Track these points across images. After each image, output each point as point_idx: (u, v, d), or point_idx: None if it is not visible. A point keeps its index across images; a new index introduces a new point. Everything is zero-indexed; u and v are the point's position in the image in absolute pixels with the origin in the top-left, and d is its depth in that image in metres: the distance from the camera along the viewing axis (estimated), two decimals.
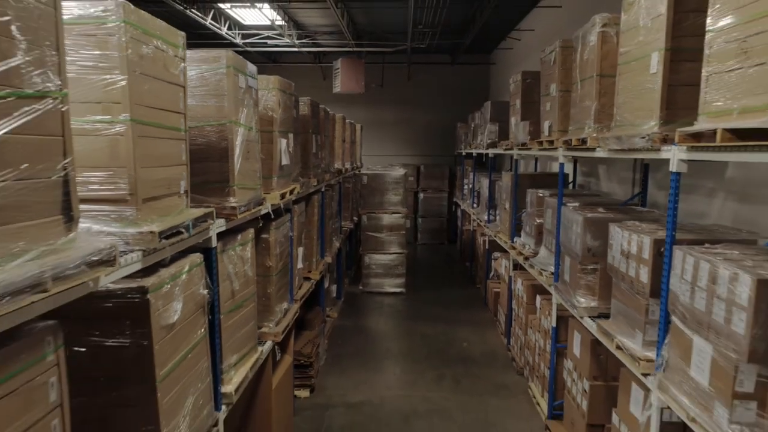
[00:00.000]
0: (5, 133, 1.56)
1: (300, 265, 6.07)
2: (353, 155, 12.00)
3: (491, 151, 10.01)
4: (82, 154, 2.18)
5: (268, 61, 16.50)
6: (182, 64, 2.89)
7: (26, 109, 1.65)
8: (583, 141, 4.57)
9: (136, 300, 2.38)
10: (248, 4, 9.86)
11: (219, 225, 3.37)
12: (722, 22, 2.66)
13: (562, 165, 5.48)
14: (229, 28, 12.20)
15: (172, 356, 2.63)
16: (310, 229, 6.88)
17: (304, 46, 13.77)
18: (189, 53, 3.16)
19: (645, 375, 3.46)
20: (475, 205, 12.07)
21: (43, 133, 1.74)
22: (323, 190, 7.59)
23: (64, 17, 1.90)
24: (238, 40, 12.74)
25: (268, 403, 4.78)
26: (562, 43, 5.47)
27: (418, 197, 16.53)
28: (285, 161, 4.90)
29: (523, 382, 6.88)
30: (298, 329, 6.64)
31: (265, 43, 13.25)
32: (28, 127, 1.66)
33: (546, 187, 6.73)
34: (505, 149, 8.35)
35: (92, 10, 2.28)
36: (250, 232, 4.07)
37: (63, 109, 1.82)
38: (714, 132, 2.63)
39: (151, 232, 2.40)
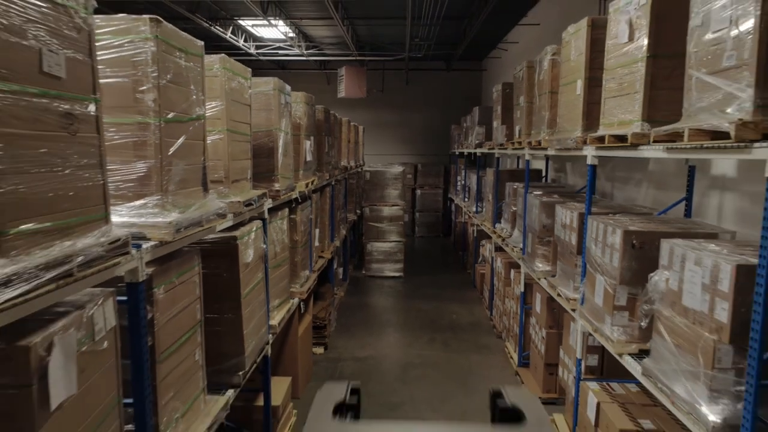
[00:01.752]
0: (186, 140, 2.91)
1: (317, 243, 7.42)
2: (357, 154, 13.35)
3: (478, 151, 11.37)
4: None
5: (277, 68, 17.84)
6: (250, 90, 4.24)
7: (192, 126, 3.00)
8: (539, 143, 5.93)
9: (230, 244, 3.73)
10: (266, 23, 11.21)
11: (269, 203, 4.72)
12: (609, 64, 4.02)
13: (528, 161, 6.85)
14: (245, 40, 13.54)
15: (248, 285, 3.98)
16: (323, 216, 8.23)
17: (311, 56, 15.11)
18: None
19: (573, 310, 4.82)
20: (466, 199, 13.43)
21: (196, 139, 3.09)
22: (333, 183, 8.95)
23: (145, 52, 3.23)
24: (253, 51, 14.08)
25: (295, 346, 6.14)
26: (528, 64, 6.82)
27: (416, 193, 17.87)
28: (308, 158, 6.26)
29: (501, 344, 8.24)
30: (314, 299, 7.97)
31: (277, 53, 14.60)
32: (191, 136, 3.01)
33: (521, 181, 8.06)
34: (489, 149, 9.71)
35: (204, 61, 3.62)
36: (286, 211, 5.43)
37: (204, 125, 3.18)
38: (605, 137, 3.98)
39: (239, 202, 3.75)
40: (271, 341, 4.78)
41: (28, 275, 1.61)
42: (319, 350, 7.76)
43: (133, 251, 2.34)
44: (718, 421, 2.60)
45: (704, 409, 2.67)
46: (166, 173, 2.68)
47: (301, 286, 6.16)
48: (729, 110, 2.57)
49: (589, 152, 4.47)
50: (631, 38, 3.70)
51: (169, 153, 2.70)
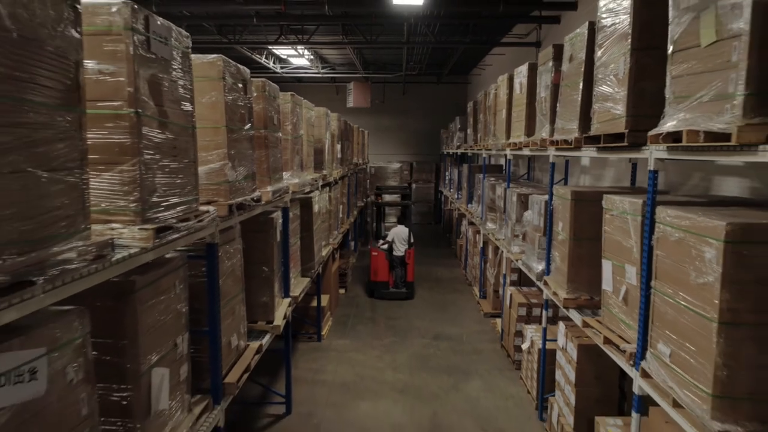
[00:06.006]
0: (298, 146, 6.19)
1: (340, 215, 10.70)
2: (363, 153, 16.65)
3: (459, 151, 14.67)
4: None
5: (293, 81, 21.11)
6: (314, 118, 7.52)
7: (300, 139, 6.28)
8: (488, 145, 9.22)
9: (309, 200, 7.00)
10: (297, 54, 14.50)
11: (321, 182, 7.99)
12: (514, 103, 7.31)
13: (485, 158, 10.15)
14: (273, 62, 16.82)
15: (315, 224, 7.26)
16: (343, 197, 11.50)
17: (326, 74, 18.42)
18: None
19: (500, 245, 8.11)
20: (451, 190, 16.71)
21: (300, 145, 6.37)
22: (349, 175, 12.24)
23: (288, 107, 6.49)
24: (278, 69, 17.35)
25: (329, 278, 9.41)
26: (484, 92, 10.10)
27: (411, 187, 21.15)
28: (339, 156, 9.55)
29: (470, 288, 11.53)
30: (339, 257, 11.21)
31: (297, 71, 17.89)
32: (299, 143, 6.28)
33: (486, 173, 11.35)
34: (464, 150, 13.01)
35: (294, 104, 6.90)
36: (327, 189, 8.71)
37: (302, 138, 6.47)
38: (514, 144, 7.26)
39: (312, 178, 7.03)
40: (322, 264, 8.06)
41: (272, 193, 4.90)
42: (342, 291, 11.04)
43: (289, 192, 5.62)
44: (540, 269, 5.88)
45: (535, 265, 5.97)
46: (293, 161, 5.96)
47: (333, 239, 9.44)
48: (542, 134, 5.85)
49: (507, 152, 7.76)
50: (521, 91, 6.99)
51: (294, 151, 5.98)
